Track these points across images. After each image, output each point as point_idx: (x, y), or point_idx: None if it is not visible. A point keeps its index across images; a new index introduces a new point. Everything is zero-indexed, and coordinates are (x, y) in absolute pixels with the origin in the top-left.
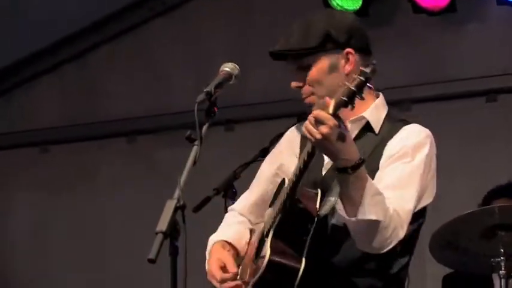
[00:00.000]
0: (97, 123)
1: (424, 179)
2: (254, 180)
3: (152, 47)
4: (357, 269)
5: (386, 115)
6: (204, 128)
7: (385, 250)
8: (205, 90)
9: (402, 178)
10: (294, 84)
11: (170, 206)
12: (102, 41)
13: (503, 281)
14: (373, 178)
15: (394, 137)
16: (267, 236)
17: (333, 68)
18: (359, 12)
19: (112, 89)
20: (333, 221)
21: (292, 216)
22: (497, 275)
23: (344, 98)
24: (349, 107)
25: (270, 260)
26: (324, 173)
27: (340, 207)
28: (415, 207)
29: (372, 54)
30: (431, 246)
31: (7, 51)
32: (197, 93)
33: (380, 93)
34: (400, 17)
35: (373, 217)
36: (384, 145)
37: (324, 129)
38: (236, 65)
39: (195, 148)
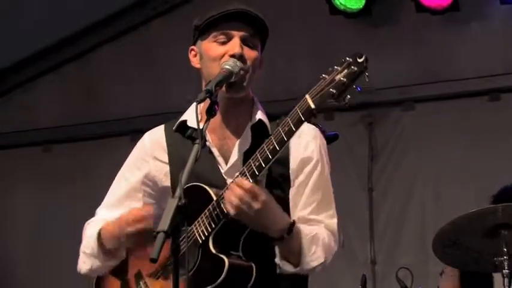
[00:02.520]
0: (99, 123)
1: (328, 173)
2: (117, 192)
3: (154, 47)
4: None
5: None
6: (205, 126)
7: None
8: (205, 88)
9: (324, 197)
10: (239, 49)
11: (172, 205)
12: (104, 41)
13: (506, 280)
14: (284, 181)
15: (293, 142)
16: (204, 244)
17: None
18: (362, 12)
19: (114, 88)
20: None
21: (226, 224)
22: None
23: (333, 91)
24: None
25: (230, 264)
26: (224, 176)
27: (282, 262)
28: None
29: None
30: (435, 246)
31: (9, 51)
32: (198, 92)
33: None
34: (403, 17)
35: (315, 263)
36: (285, 148)
37: (256, 205)
38: (237, 62)
39: (196, 147)
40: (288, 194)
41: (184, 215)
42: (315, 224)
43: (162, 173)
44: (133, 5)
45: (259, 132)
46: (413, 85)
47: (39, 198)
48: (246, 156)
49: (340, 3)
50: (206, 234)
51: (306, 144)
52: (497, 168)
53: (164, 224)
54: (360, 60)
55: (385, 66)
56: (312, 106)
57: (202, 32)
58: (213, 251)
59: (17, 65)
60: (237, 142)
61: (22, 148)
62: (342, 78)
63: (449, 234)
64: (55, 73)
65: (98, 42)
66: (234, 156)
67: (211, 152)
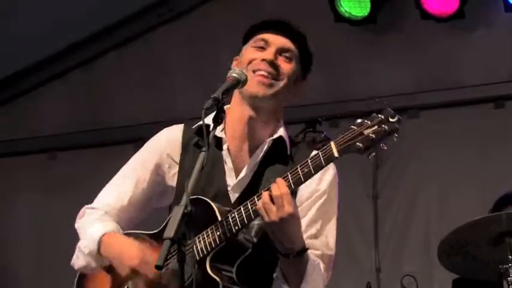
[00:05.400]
0: (104, 130)
1: (336, 211)
2: (125, 176)
3: (159, 54)
4: None
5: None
6: (212, 134)
7: None
8: (212, 96)
9: (324, 224)
10: (271, 56)
11: (178, 212)
12: (109, 48)
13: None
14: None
15: None
16: (201, 261)
17: (296, 79)
18: (367, 19)
19: (119, 95)
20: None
21: (229, 244)
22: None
23: (359, 145)
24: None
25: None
26: (229, 188)
27: (281, 280)
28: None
29: None
30: (440, 254)
31: (14, 58)
32: (204, 99)
33: None
34: (408, 24)
35: None
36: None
37: (285, 212)
38: (243, 71)
39: (202, 154)
40: None
41: (190, 222)
42: (312, 250)
43: (171, 172)
44: (138, 12)
45: (276, 152)
46: (417, 92)
47: (44, 205)
48: (256, 173)
49: (345, 10)
50: (205, 252)
51: (319, 178)
52: (502, 176)
53: (170, 231)
54: (392, 120)
55: (389, 74)
56: (336, 155)
57: (245, 40)
58: (209, 271)
59: (21, 72)
60: (251, 157)
61: (27, 156)
62: (370, 134)
63: (454, 242)
64: (60, 80)
65: (103, 50)
66: (244, 172)
67: (224, 162)
